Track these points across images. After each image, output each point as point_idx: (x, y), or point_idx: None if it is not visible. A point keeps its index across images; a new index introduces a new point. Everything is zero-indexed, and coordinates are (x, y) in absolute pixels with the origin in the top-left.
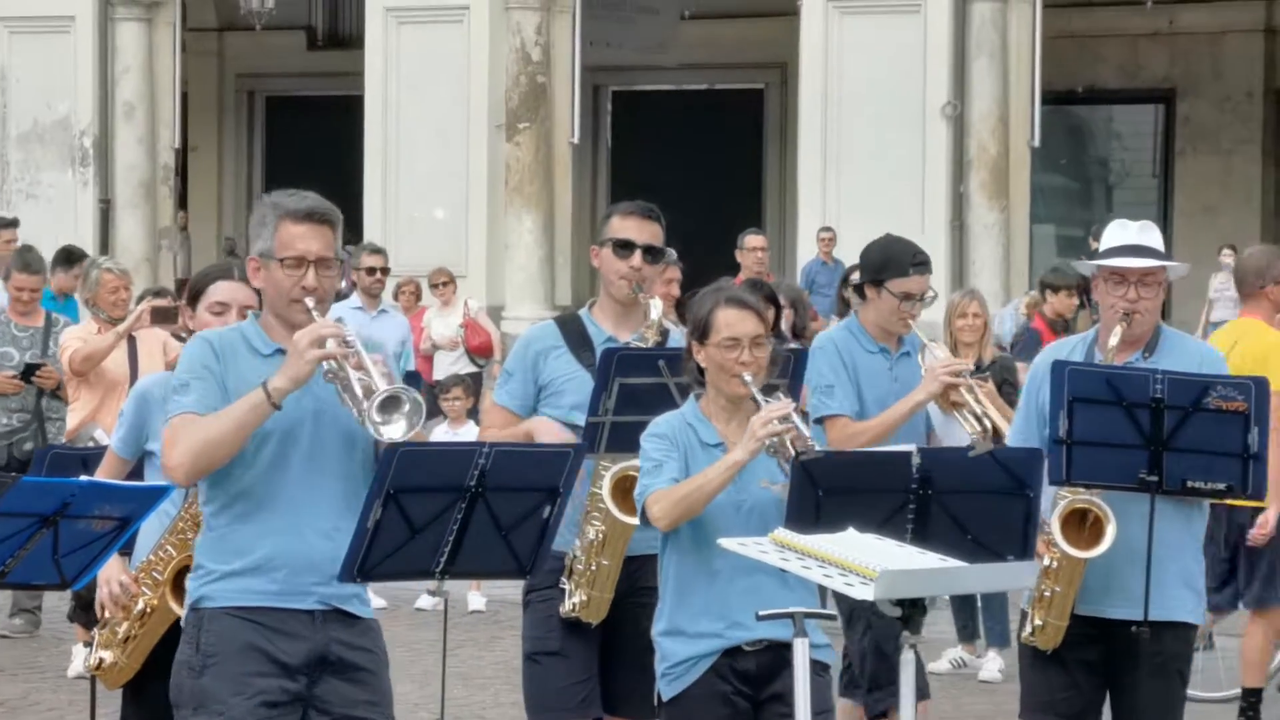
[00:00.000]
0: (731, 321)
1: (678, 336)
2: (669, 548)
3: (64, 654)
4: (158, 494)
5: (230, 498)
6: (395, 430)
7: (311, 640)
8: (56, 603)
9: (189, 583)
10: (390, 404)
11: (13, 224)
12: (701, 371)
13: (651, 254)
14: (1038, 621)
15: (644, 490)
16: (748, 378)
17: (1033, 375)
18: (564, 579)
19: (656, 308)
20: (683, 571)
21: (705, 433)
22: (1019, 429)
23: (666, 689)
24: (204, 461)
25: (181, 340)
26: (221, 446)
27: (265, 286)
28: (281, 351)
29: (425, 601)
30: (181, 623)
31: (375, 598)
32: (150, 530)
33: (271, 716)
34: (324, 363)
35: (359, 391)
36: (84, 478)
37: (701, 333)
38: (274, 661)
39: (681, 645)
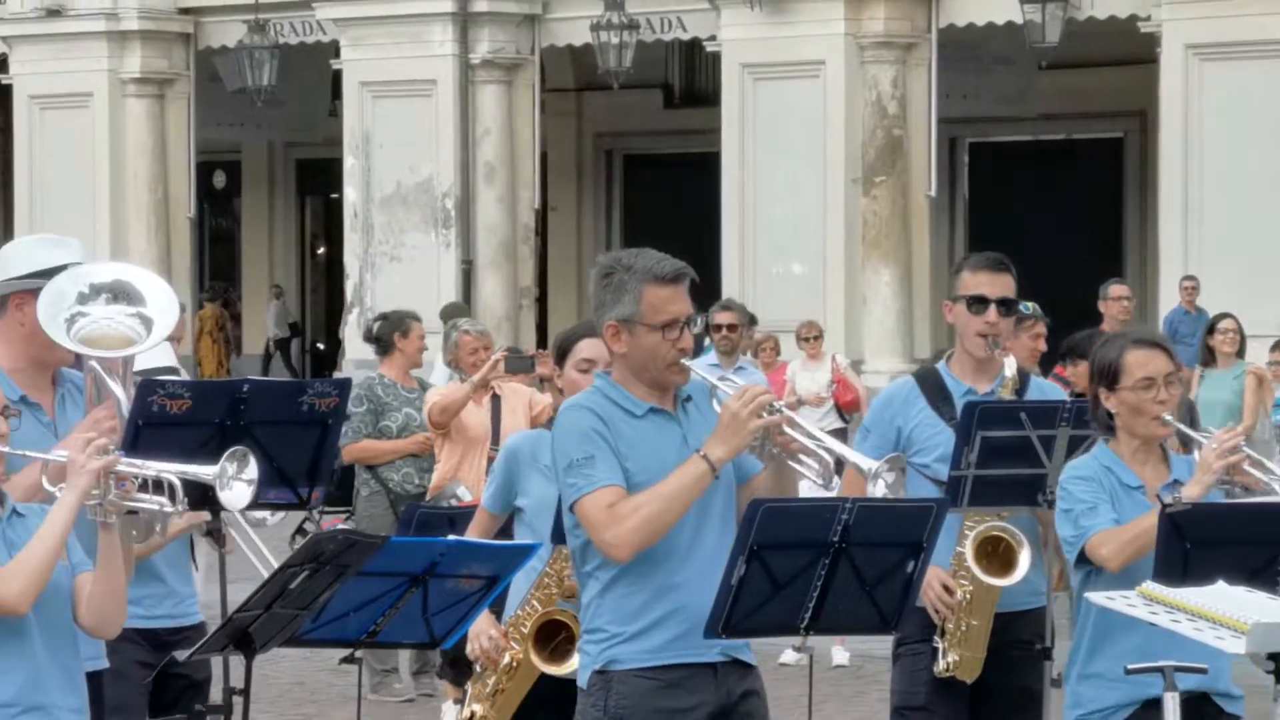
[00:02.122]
0: (1143, 362)
1: (1041, 385)
2: (1088, 590)
3: (433, 710)
4: (525, 552)
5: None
6: (880, 489)
7: (716, 694)
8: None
9: (586, 646)
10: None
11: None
12: (1110, 417)
13: (1006, 307)
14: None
15: (1084, 532)
16: (1169, 417)
17: None
18: (936, 637)
19: (1011, 365)
20: (1104, 615)
21: (1125, 475)
22: None
23: None
24: (652, 539)
25: (550, 392)
26: (668, 524)
27: (630, 351)
28: (654, 410)
29: (789, 657)
30: (581, 684)
31: None
32: (518, 585)
33: None
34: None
35: (820, 452)
36: (451, 537)
37: (1111, 379)
38: None
39: (1098, 691)
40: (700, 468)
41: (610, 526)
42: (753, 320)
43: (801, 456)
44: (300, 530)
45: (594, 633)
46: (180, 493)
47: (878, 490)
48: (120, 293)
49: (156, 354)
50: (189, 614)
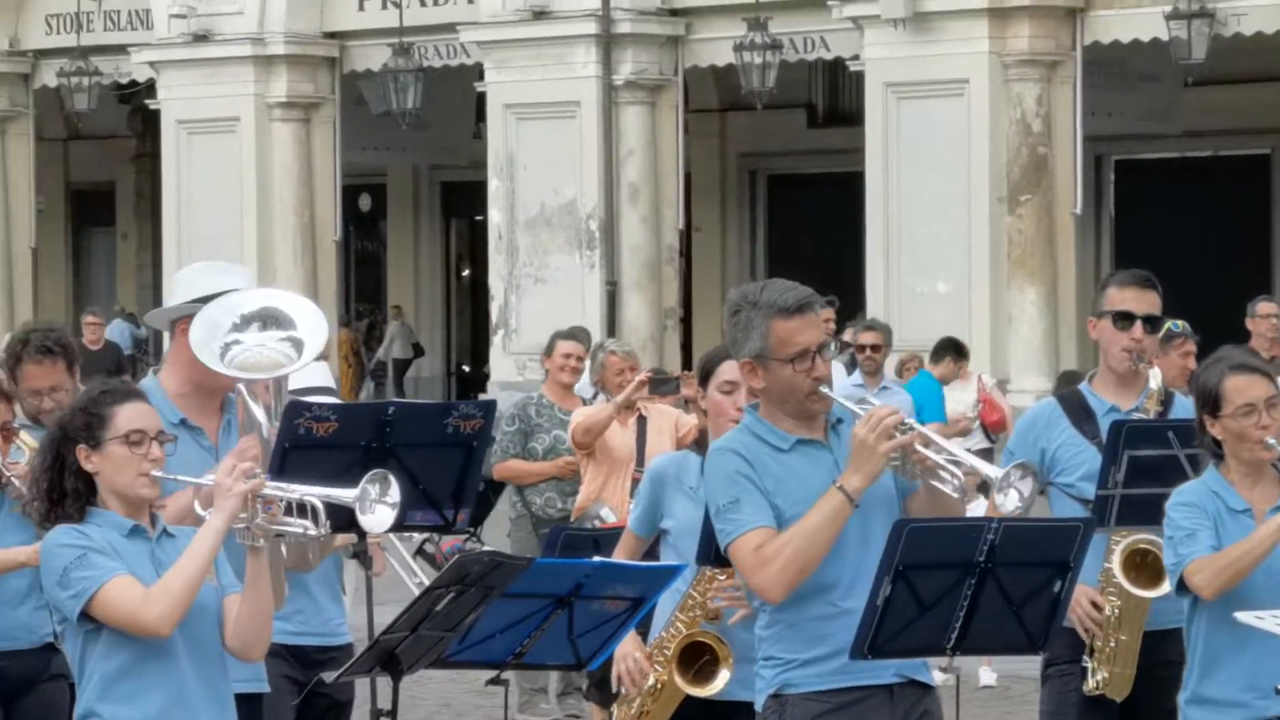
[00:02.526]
0: (1243, 388)
1: (1185, 404)
2: (1197, 614)
3: None
4: (670, 574)
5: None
6: (1013, 499)
7: (891, 716)
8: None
9: (762, 671)
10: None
11: (830, 303)
12: (1217, 444)
13: (1151, 324)
14: None
15: (1181, 560)
16: (1271, 441)
17: None
18: (1085, 656)
19: (1156, 377)
20: (1212, 638)
21: (1232, 499)
22: None
23: None
24: (801, 576)
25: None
26: (815, 559)
27: (769, 385)
28: (802, 442)
29: (936, 677)
30: (757, 708)
31: None
32: (664, 606)
33: None
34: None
35: (956, 470)
36: (596, 558)
37: (1213, 406)
38: None
39: (1210, 715)
40: (838, 499)
41: (759, 570)
42: (963, 351)
43: (940, 472)
44: (420, 551)
45: (769, 660)
46: (323, 516)
47: (1009, 499)
48: (270, 318)
49: (314, 374)
50: (337, 634)
